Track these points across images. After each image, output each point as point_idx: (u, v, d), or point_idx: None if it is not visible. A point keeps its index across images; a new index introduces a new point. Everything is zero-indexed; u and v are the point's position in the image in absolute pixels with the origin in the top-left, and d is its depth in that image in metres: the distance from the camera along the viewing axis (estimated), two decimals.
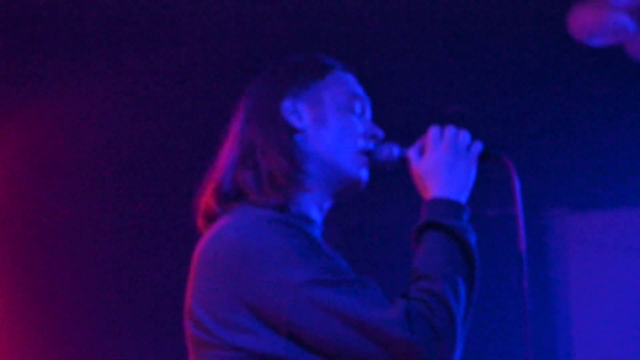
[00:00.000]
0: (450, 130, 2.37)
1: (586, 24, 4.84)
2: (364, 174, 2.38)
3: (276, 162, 2.31)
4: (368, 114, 2.46)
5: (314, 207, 2.36)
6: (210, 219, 2.32)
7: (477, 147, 2.37)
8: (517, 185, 2.37)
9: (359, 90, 2.46)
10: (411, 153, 2.38)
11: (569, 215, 7.22)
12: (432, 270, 2.18)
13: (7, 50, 5.28)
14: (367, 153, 2.39)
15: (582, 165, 6.70)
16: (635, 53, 4.97)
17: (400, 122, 5.88)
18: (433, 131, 2.37)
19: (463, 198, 2.31)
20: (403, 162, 2.39)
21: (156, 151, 6.04)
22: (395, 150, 2.40)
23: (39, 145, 6.08)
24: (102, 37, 5.23)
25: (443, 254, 2.21)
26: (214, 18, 5.11)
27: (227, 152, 2.38)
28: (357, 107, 2.42)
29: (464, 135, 2.37)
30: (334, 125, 2.38)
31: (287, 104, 2.37)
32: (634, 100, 6.02)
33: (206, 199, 2.35)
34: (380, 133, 2.41)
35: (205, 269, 2.22)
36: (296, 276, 2.11)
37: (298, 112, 2.37)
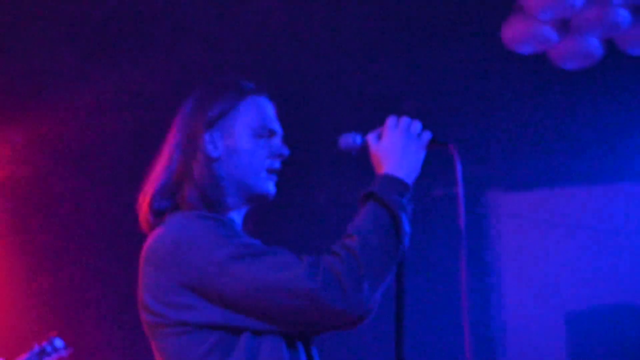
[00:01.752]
0: (404, 119, 2.38)
1: (516, 34, 4.87)
2: (271, 188, 2.40)
3: (198, 187, 2.32)
4: (279, 132, 2.45)
5: (233, 213, 2.39)
6: (150, 227, 2.36)
7: (427, 134, 2.38)
8: (459, 168, 2.38)
9: (269, 113, 2.45)
10: (370, 138, 2.39)
11: (503, 195, 7.20)
12: (357, 231, 2.21)
13: (19, 51, 5.20)
14: (273, 171, 2.40)
15: (514, 151, 6.78)
16: (556, 59, 5.04)
17: (364, 116, 5.94)
18: (390, 120, 2.39)
19: (410, 178, 2.32)
20: (365, 148, 2.41)
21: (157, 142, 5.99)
22: (358, 139, 2.40)
23: (52, 134, 5.98)
24: (109, 38, 5.22)
25: (372, 220, 2.22)
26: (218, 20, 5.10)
27: (158, 172, 2.39)
28: (266, 130, 2.41)
29: (416, 124, 2.38)
30: (244, 151, 2.37)
31: (205, 136, 2.36)
32: (557, 99, 6.11)
33: (143, 212, 2.38)
34: (286, 152, 2.43)
35: (149, 264, 2.27)
36: (218, 255, 2.16)
37: (214, 142, 2.36)
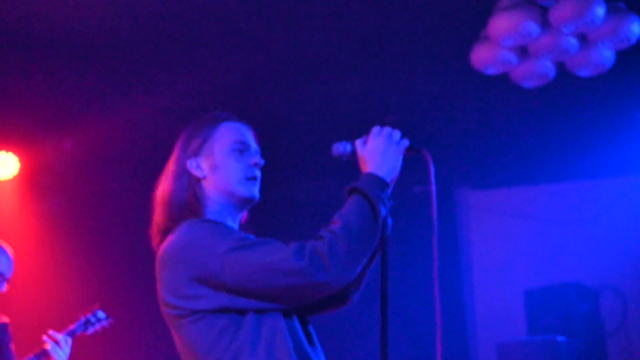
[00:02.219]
0: (387, 129, 2.47)
1: (482, 58, 4.96)
2: (254, 192, 2.50)
3: (193, 204, 2.46)
4: (251, 147, 2.54)
5: (228, 219, 2.50)
6: (163, 234, 2.48)
7: (405, 142, 2.47)
8: (432, 171, 2.44)
9: (241, 133, 2.54)
10: (358, 143, 2.48)
11: (472, 193, 7.31)
12: (340, 217, 2.29)
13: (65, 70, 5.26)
14: (252, 178, 2.50)
15: (482, 152, 6.83)
16: (517, 79, 5.13)
17: (353, 128, 5.96)
18: (375, 129, 2.48)
19: (389, 177, 2.39)
20: (354, 154, 2.49)
21: None
22: (348, 147, 2.50)
23: (99, 144, 5.98)
24: (149, 60, 5.25)
25: (356, 210, 2.29)
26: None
27: (157, 201, 2.52)
28: (239, 147, 2.51)
29: (396, 133, 2.47)
30: (222, 167, 2.49)
31: (190, 162, 2.51)
32: (518, 112, 6.16)
33: (154, 233, 2.51)
34: (260, 161, 2.53)
35: (165, 264, 2.37)
36: (219, 249, 2.28)
37: (199, 166, 2.50)
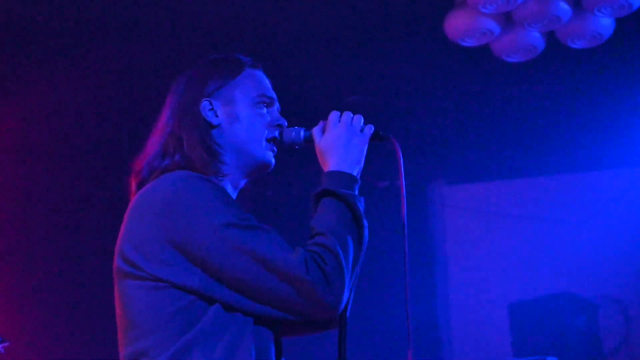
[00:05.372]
0: (347, 114, 2.42)
1: (459, 28, 4.91)
2: (271, 158, 2.43)
3: (195, 151, 2.35)
4: (275, 104, 2.49)
5: (229, 185, 2.40)
6: (141, 182, 2.37)
7: (369, 128, 2.42)
8: (401, 161, 2.41)
9: (266, 84, 2.49)
10: (315, 133, 2.42)
11: (445, 187, 7.33)
12: (325, 228, 2.23)
13: None
14: (274, 140, 2.44)
15: (456, 146, 6.83)
16: (499, 51, 5.08)
17: (308, 111, 5.93)
18: (333, 115, 2.42)
19: (355, 171, 2.36)
20: (309, 141, 2.44)
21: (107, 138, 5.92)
22: (302, 133, 2.44)
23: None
24: (53, 45, 5.27)
25: (336, 216, 2.25)
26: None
27: (154, 142, 2.42)
28: (265, 100, 2.45)
29: (358, 119, 2.42)
30: (244, 119, 2.41)
31: (205, 104, 2.40)
32: (499, 92, 6.15)
33: (137, 169, 2.40)
34: (284, 122, 2.46)
35: (138, 213, 2.26)
36: (214, 220, 2.16)
37: (214, 110, 2.40)
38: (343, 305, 2.20)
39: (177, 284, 2.17)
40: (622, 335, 6.72)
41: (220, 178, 2.37)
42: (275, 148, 2.45)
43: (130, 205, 2.30)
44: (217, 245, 2.15)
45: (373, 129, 2.43)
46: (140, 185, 2.35)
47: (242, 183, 2.46)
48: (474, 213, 7.21)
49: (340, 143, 2.37)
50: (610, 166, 6.90)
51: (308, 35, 5.41)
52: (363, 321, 6.24)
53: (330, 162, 2.36)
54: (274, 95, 2.49)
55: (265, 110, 2.44)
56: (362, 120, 2.42)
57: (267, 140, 2.42)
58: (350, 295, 2.35)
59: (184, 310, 2.17)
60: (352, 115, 2.42)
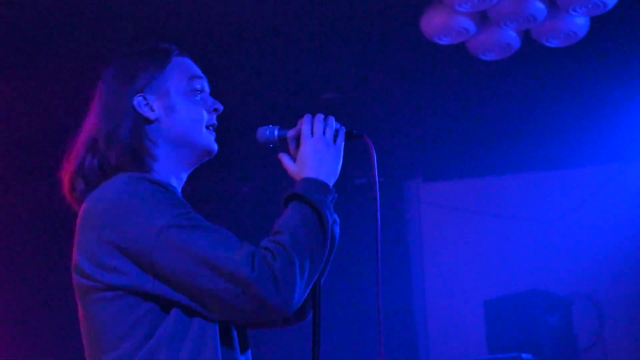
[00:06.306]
0: (318, 123, 2.37)
1: (435, 26, 4.93)
2: (213, 143, 2.40)
3: (131, 151, 2.30)
4: (207, 89, 2.44)
5: (173, 177, 2.35)
6: (80, 194, 2.30)
7: (342, 131, 2.39)
8: (374, 158, 2.38)
9: (196, 71, 2.44)
10: (289, 135, 2.40)
11: (421, 185, 7.30)
12: (284, 228, 2.18)
13: None
14: (213, 126, 2.40)
15: (432, 143, 6.85)
16: (474, 49, 5.10)
17: (283, 108, 5.94)
18: (305, 125, 2.38)
19: (330, 181, 2.32)
20: (283, 140, 2.41)
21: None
22: (276, 132, 2.41)
23: None
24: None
25: (298, 218, 2.20)
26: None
27: (82, 141, 2.35)
28: (197, 87, 2.40)
29: (331, 124, 2.38)
30: (181, 110, 2.36)
31: (139, 99, 2.34)
32: (475, 90, 6.17)
33: (69, 180, 2.33)
34: (220, 107, 2.42)
35: (85, 223, 2.21)
36: (157, 222, 2.11)
37: (150, 105, 2.34)
38: (293, 307, 2.13)
39: (132, 290, 2.13)
40: (596, 333, 6.73)
41: (161, 173, 2.32)
42: (214, 133, 2.41)
43: (80, 214, 2.25)
44: (161, 248, 2.11)
45: (345, 130, 2.40)
46: (81, 196, 2.30)
47: (186, 174, 2.42)
48: (450, 210, 7.18)
49: (314, 158, 2.34)
50: (585, 164, 6.89)
51: (283, 32, 5.36)
52: (337, 320, 6.27)
53: (305, 173, 2.32)
54: (205, 83, 2.44)
55: (199, 97, 2.40)
56: (335, 124, 2.39)
57: (207, 127, 2.39)
58: (318, 296, 2.37)
59: (144, 316, 2.14)
60: (323, 125, 2.38)
